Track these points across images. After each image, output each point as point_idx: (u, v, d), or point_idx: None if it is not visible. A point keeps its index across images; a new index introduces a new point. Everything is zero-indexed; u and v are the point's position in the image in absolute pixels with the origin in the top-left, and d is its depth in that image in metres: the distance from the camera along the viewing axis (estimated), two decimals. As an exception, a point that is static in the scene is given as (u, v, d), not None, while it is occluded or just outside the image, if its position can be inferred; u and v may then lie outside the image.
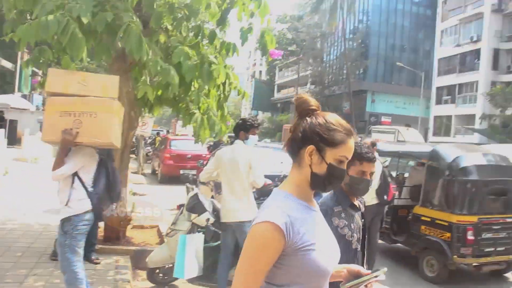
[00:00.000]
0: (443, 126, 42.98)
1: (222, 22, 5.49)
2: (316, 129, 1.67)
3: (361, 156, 2.64)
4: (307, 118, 1.72)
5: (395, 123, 47.82)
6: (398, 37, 53.18)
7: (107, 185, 4.19)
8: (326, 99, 48.49)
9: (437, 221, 6.45)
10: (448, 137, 39.13)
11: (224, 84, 5.51)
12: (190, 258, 4.78)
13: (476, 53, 40.03)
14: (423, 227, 6.70)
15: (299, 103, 1.75)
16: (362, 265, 2.52)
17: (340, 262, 2.03)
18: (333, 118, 1.72)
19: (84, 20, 4.08)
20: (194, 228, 5.14)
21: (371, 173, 2.71)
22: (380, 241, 7.71)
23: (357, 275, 1.86)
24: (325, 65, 52.89)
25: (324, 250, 1.65)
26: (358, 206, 2.70)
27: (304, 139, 1.68)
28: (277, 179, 6.43)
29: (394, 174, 8.94)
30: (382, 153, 7.87)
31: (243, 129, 4.96)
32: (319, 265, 1.62)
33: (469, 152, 6.61)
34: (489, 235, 6.22)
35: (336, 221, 2.53)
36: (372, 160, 2.69)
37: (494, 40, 39.18)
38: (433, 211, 6.62)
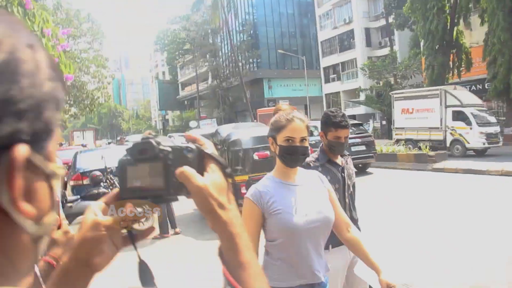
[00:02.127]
0: (333, 102, 46.40)
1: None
2: (270, 125, 2.29)
3: (336, 124, 3.00)
4: None
5: (294, 105, 50.69)
6: (285, 25, 56.19)
7: None
8: (225, 91, 50.42)
9: None
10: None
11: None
12: None
13: (351, 33, 43.80)
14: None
15: (275, 110, 2.36)
16: (345, 211, 2.95)
17: None
18: (279, 114, 2.27)
19: None
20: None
21: (346, 137, 3.04)
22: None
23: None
24: (219, 59, 54.76)
25: (294, 213, 2.15)
26: (341, 163, 3.14)
27: (268, 135, 2.31)
28: (105, 172, 8.31)
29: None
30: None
31: None
32: (287, 224, 2.13)
33: (238, 129, 8.67)
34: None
35: None
36: (345, 126, 3.01)
37: (364, 21, 43.16)
38: None
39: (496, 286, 4.80)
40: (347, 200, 3.10)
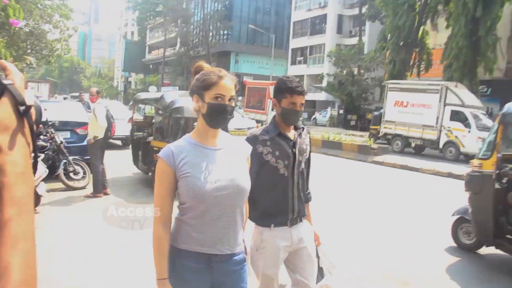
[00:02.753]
0: (297, 85, 46.69)
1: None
2: (195, 82, 2.13)
3: (291, 89, 2.76)
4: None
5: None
6: (261, 0, 55.80)
7: None
8: (191, 60, 49.81)
9: (161, 149, 8.38)
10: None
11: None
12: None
13: (324, 17, 44.07)
14: (154, 155, 8.55)
15: (195, 67, 2.21)
16: (292, 190, 2.88)
17: (268, 185, 2.78)
18: (207, 69, 2.14)
19: None
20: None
21: (301, 105, 2.81)
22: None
23: None
24: (190, 27, 53.97)
25: (203, 178, 2.05)
26: (293, 136, 2.90)
27: (192, 92, 2.15)
28: (46, 125, 8.44)
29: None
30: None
31: None
32: (194, 189, 2.03)
33: (182, 96, 8.71)
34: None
35: (260, 148, 2.79)
36: (301, 92, 2.78)
37: (338, 7, 43.44)
38: (159, 142, 8.54)
39: (430, 275, 5.19)
40: (295, 178, 2.87)
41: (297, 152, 2.86)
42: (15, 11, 5.39)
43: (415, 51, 26.84)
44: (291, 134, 2.89)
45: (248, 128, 11.87)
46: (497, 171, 5.31)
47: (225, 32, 53.27)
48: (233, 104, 2.12)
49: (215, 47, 48.40)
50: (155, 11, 57.64)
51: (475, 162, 5.71)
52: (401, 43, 26.19)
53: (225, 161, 2.13)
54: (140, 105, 11.14)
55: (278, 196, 2.84)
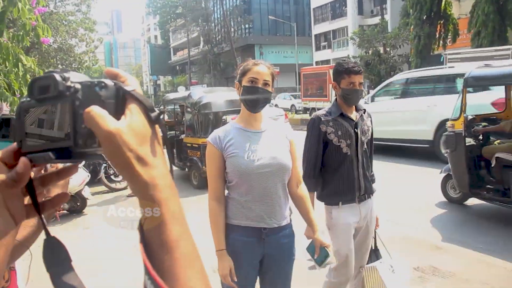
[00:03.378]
0: (323, 71, 46.48)
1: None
2: (237, 71, 2.44)
3: (348, 70, 2.87)
4: None
5: (283, 72, 50.83)
6: (278, -10, 55.52)
7: None
8: (216, 57, 50.16)
9: (193, 145, 8.74)
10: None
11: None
12: None
13: (343, 0, 43.53)
14: (188, 150, 8.99)
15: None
16: (357, 169, 2.97)
17: (333, 164, 2.94)
18: (248, 60, 2.42)
19: None
20: None
21: (360, 84, 2.85)
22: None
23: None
24: (211, 24, 54.26)
25: (247, 157, 2.27)
26: (355, 117, 2.99)
27: (236, 80, 2.40)
28: None
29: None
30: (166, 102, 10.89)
31: None
32: (239, 167, 2.25)
33: (208, 93, 8.98)
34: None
35: (323, 128, 2.91)
36: (358, 72, 2.87)
37: (357, -12, 42.83)
38: (191, 138, 8.90)
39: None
40: (359, 157, 2.97)
41: (359, 132, 2.97)
42: (44, 30, 5.67)
43: (439, 23, 26.32)
44: (353, 115, 2.99)
45: (277, 116, 12.13)
46: (466, 129, 5.87)
47: (247, 26, 53.27)
48: (268, 89, 2.33)
49: (238, 41, 48.61)
50: (175, 13, 58.11)
51: (448, 123, 6.28)
52: (424, 17, 25.71)
53: (268, 142, 2.34)
54: (168, 106, 11.43)
55: (344, 174, 2.95)
